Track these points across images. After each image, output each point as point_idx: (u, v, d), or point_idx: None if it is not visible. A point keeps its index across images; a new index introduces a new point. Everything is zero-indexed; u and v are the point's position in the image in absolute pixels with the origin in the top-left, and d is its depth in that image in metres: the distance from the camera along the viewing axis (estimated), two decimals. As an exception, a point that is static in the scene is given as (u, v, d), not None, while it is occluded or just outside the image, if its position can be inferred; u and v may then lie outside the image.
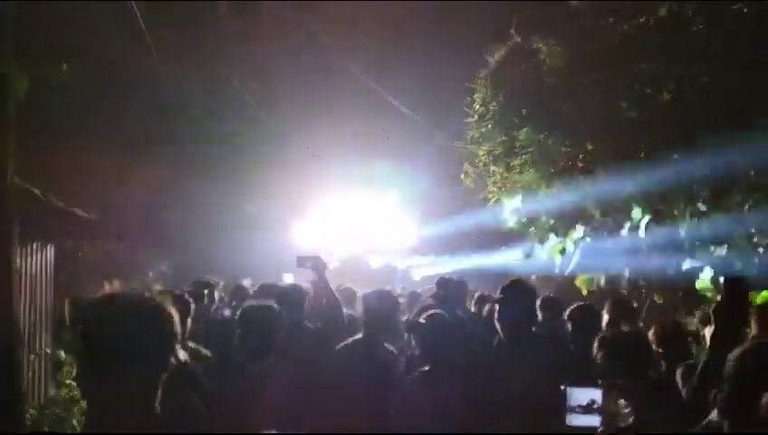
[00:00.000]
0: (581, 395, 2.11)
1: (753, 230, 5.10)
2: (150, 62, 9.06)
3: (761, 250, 4.88)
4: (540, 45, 7.17)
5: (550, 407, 2.34)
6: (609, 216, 6.62)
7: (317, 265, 4.07)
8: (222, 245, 11.64)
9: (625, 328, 3.61)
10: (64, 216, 6.53)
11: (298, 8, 11.81)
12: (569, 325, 4.08)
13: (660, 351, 3.42)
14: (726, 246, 5.14)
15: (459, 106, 8.11)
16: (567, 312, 4.16)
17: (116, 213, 8.09)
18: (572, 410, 2.11)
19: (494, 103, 7.20)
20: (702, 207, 5.28)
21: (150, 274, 12.79)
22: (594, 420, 2.09)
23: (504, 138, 7.11)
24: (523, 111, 6.99)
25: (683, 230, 5.29)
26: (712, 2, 5.94)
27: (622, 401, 2.15)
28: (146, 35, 8.64)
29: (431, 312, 3.48)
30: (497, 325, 3.09)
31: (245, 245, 11.88)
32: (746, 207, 5.21)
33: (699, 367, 2.54)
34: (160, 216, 10.91)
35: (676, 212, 5.45)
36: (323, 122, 13.12)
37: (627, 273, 7.25)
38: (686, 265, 5.90)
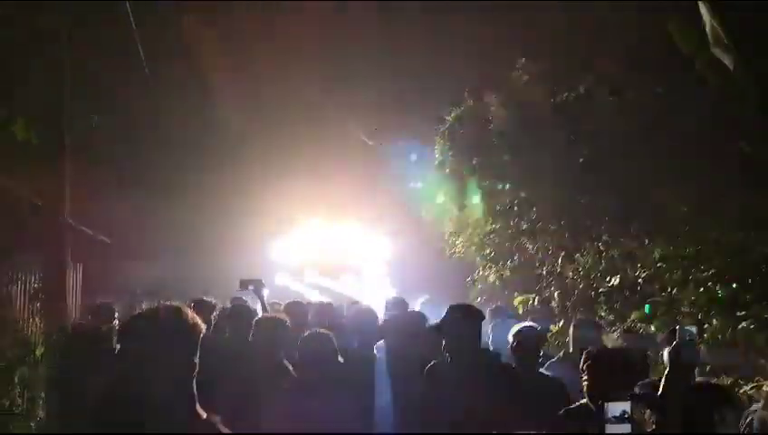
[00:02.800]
0: (616, 408, 2.38)
1: (639, 265, 6.75)
2: (151, 104, 10.37)
3: (640, 281, 6.51)
4: (490, 108, 8.82)
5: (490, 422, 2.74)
6: (539, 248, 8.24)
7: (257, 287, 4.57)
8: (200, 263, 12.70)
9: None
10: (90, 240, 7.79)
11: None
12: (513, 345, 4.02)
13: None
14: (619, 276, 6.78)
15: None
16: (511, 333, 4.13)
17: (129, 237, 9.29)
18: (608, 420, 2.37)
19: (449, 154, 8.77)
20: (602, 247, 6.93)
21: (138, 290, 13.85)
22: (626, 428, 2.38)
23: (457, 183, 8.65)
24: (474, 161, 8.58)
25: (587, 264, 6.93)
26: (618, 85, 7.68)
27: (648, 411, 2.45)
28: (148, 78, 9.98)
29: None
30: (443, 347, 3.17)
31: (221, 262, 13.03)
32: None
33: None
34: (148, 236, 12.04)
35: (583, 249, 7.08)
36: (302, 153, 14.56)
37: (556, 295, 8.85)
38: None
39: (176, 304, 1.86)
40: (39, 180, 6.18)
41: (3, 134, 6.23)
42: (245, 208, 13.96)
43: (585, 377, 2.83)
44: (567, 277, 8.48)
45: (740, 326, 5.16)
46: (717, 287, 5.29)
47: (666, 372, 2.66)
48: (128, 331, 1.81)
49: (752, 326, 5.14)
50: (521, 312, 8.83)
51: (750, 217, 5.84)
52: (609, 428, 2.39)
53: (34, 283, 6.18)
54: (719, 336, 5.39)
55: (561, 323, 8.53)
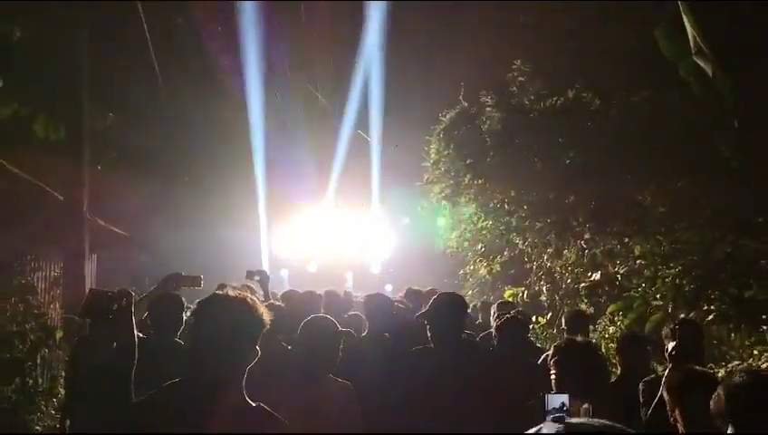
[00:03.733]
0: (556, 400, 2.33)
1: (618, 262, 7.20)
2: (163, 102, 10.84)
3: (619, 276, 6.96)
4: (485, 109, 9.24)
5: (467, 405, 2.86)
6: (528, 245, 8.69)
7: (263, 278, 4.95)
8: (204, 253, 13.18)
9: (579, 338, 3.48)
10: (104, 231, 8.27)
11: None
12: (496, 336, 4.27)
13: (619, 357, 3.77)
14: (600, 272, 7.24)
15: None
16: (496, 323, 4.38)
17: (139, 228, 9.79)
18: (549, 412, 2.31)
19: (445, 153, 9.20)
20: (584, 244, 7.38)
21: (147, 279, 14.33)
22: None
23: (451, 181, 9.09)
24: (468, 160, 9.00)
25: (570, 260, 7.38)
26: (605, 89, 8.10)
27: (585, 405, 2.45)
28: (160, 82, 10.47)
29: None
30: (428, 333, 3.27)
31: (225, 252, 13.50)
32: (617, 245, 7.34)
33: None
34: (158, 228, 12.53)
35: (568, 246, 7.53)
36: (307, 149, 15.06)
37: (545, 289, 9.30)
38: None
39: (248, 294, 1.92)
40: (61, 177, 6.66)
41: (27, 134, 6.70)
42: (253, 204, 14.46)
43: (553, 371, 2.78)
44: (555, 272, 8.94)
45: (706, 320, 5.60)
46: (684, 283, 5.72)
47: (668, 365, 2.72)
48: (202, 311, 1.85)
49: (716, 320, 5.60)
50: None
51: (726, 219, 6.26)
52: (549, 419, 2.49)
53: (55, 272, 6.68)
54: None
55: (550, 314, 9.01)
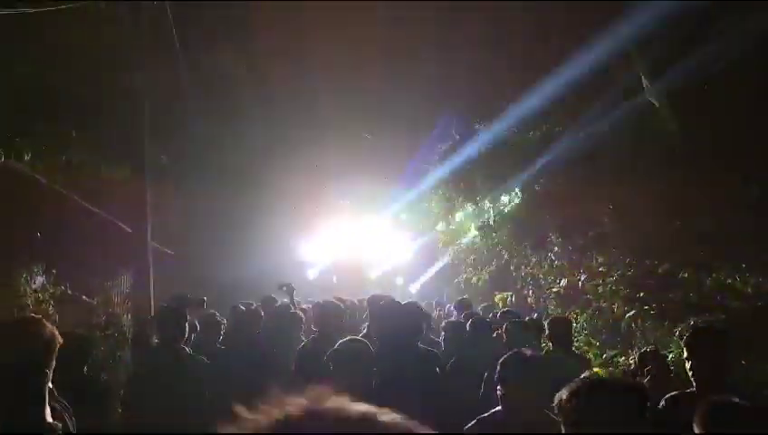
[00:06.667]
0: None
1: (581, 270, 8.70)
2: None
3: (580, 283, 8.45)
4: (476, 136, 10.80)
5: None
6: (513, 256, 10.23)
7: (289, 289, 5.97)
8: (236, 266, 14.67)
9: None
10: (158, 252, 10.00)
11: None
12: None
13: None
14: (565, 280, 8.74)
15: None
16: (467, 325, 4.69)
17: (185, 248, 11.51)
18: None
19: (442, 180, 10.81)
20: (552, 257, 8.89)
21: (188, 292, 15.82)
22: None
23: (447, 202, 10.69)
24: (461, 184, 10.58)
25: (543, 269, 8.91)
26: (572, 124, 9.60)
27: None
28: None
29: None
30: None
31: (255, 265, 14.99)
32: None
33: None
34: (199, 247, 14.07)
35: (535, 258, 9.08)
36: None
37: (531, 293, 10.79)
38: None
39: (37, 316, 2.00)
40: (129, 212, 8.38)
41: (100, 179, 8.44)
42: (280, 225, 16.01)
43: (499, 388, 2.58)
44: (540, 278, 10.45)
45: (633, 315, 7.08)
46: (620, 288, 7.22)
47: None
48: None
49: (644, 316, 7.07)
50: (501, 306, 10.80)
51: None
52: None
53: (126, 288, 8.43)
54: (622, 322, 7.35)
55: (535, 315, 10.52)
